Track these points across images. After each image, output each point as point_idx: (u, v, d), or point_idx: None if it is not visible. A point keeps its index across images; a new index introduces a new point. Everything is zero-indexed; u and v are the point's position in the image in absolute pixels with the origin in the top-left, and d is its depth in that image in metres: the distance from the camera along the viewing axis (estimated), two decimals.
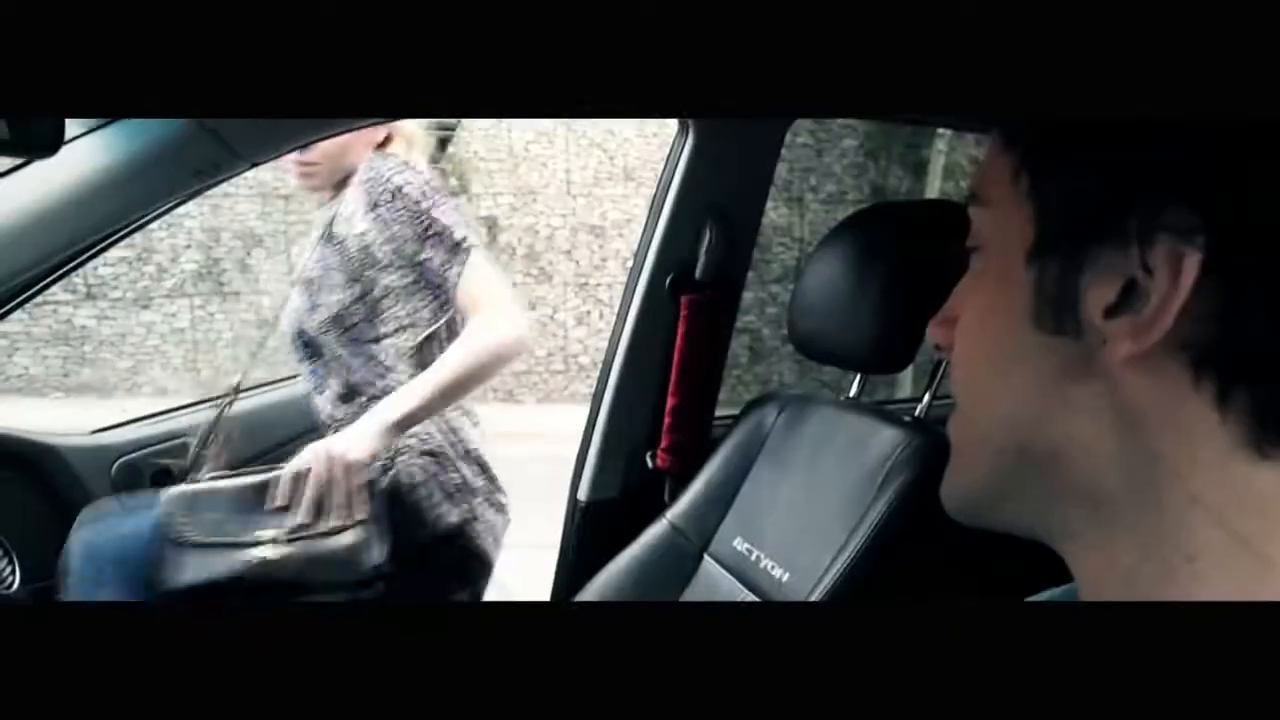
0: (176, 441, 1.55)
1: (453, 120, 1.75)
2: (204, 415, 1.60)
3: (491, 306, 1.35)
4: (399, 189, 1.33)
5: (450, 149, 1.80)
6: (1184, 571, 0.33)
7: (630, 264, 1.68)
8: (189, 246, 7.23)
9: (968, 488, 0.41)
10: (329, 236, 1.41)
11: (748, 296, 1.64)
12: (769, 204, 1.65)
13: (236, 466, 1.57)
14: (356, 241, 1.36)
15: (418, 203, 1.33)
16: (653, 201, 1.62)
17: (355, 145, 1.41)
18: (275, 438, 1.66)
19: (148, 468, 1.51)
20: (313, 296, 1.41)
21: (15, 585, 1.20)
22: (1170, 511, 0.33)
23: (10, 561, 1.20)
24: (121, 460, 1.49)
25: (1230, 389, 0.31)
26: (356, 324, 1.39)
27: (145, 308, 7.20)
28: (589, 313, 7.96)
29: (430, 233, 1.33)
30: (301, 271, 1.46)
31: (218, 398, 1.62)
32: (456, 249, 1.34)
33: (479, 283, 1.36)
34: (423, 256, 1.34)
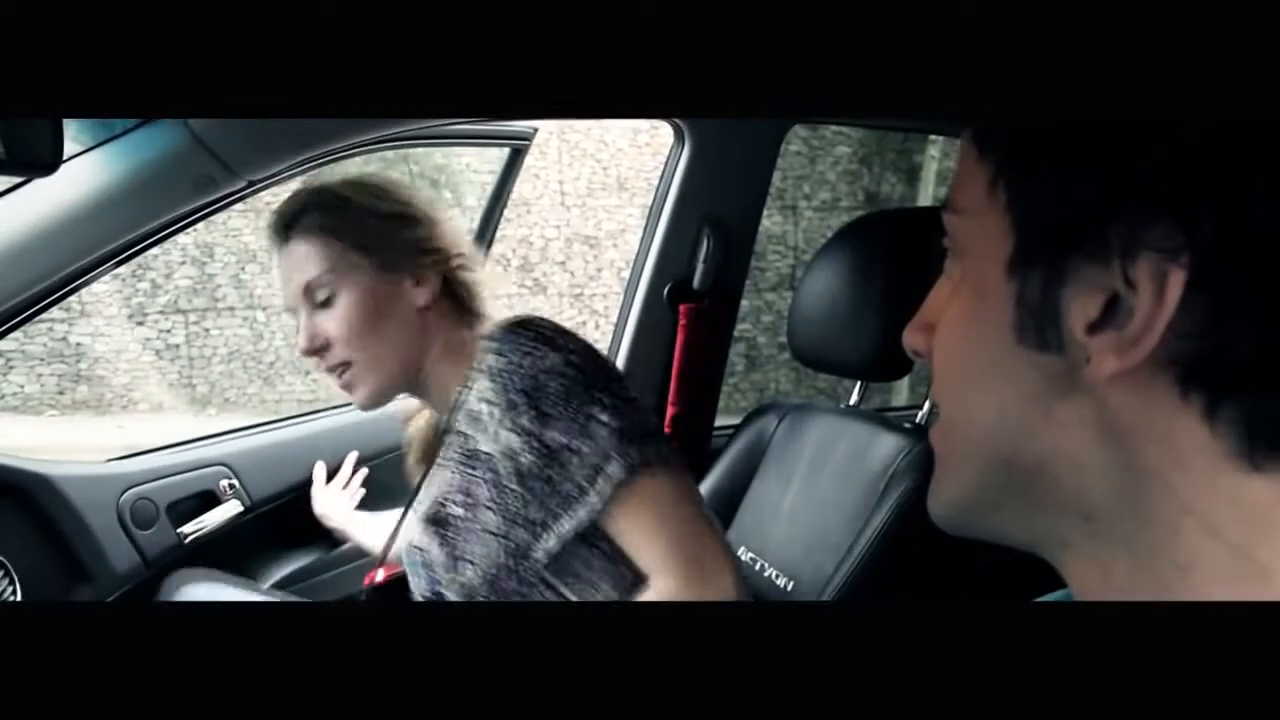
0: (190, 474, 1.44)
1: (528, 128, 1.57)
2: (216, 449, 1.50)
3: (673, 573, 0.90)
4: (537, 380, 0.92)
5: (527, 160, 1.61)
6: (1179, 582, 0.33)
7: (625, 274, 1.68)
8: (183, 262, 7.22)
9: (955, 500, 0.41)
10: (459, 452, 1.01)
11: (743, 304, 1.63)
12: (763, 211, 1.65)
13: (259, 501, 1.49)
14: (503, 462, 0.94)
15: (565, 403, 0.91)
16: (649, 211, 1.62)
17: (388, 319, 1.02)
18: (297, 475, 1.54)
19: (163, 500, 1.40)
20: (450, 544, 0.99)
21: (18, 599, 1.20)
22: (1162, 524, 0.33)
23: (11, 582, 1.20)
24: (132, 491, 1.37)
25: (1218, 403, 0.31)
26: (518, 593, 0.97)
27: (140, 324, 7.18)
28: (584, 323, 7.97)
29: (574, 455, 0.91)
30: (418, 495, 1.08)
31: (226, 433, 1.56)
32: (608, 476, 0.90)
33: (651, 533, 0.92)
34: (576, 488, 0.92)
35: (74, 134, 1.06)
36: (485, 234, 1.69)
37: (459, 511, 0.98)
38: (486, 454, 0.96)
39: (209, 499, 1.45)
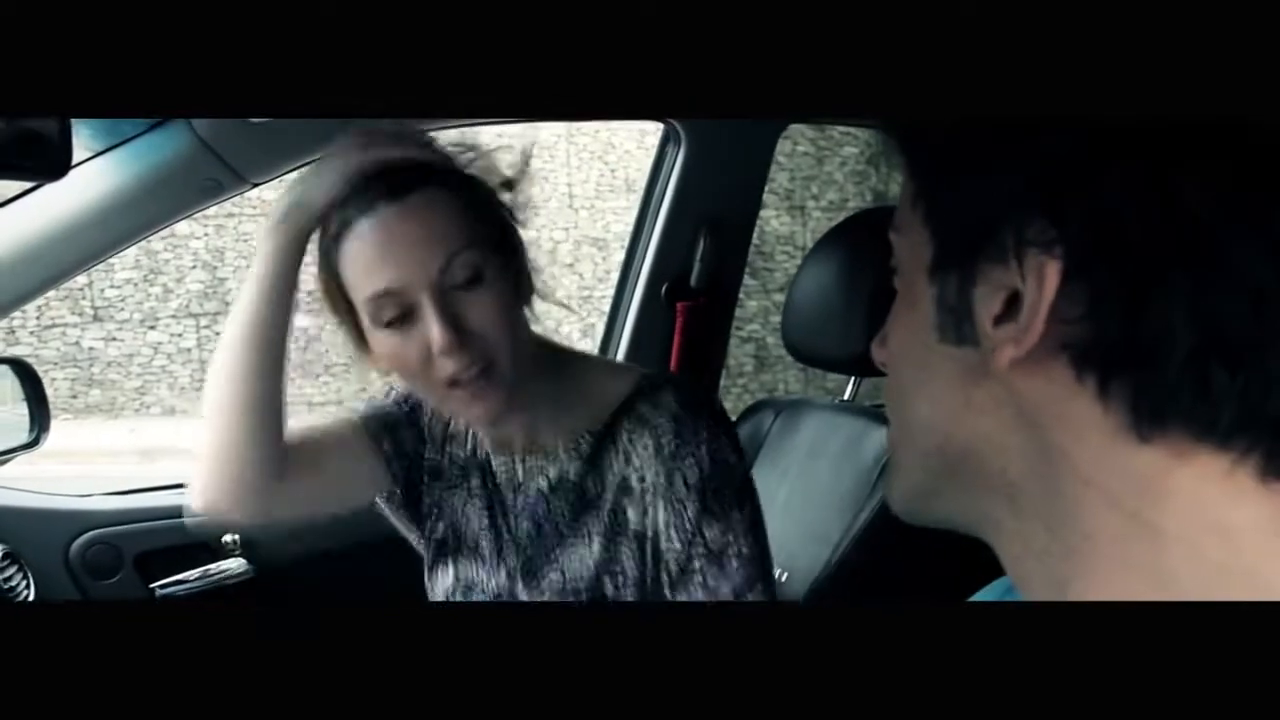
0: (177, 521, 1.25)
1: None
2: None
3: None
4: (709, 476, 0.85)
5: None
6: (1084, 547, 0.36)
7: (628, 275, 1.70)
8: (194, 267, 7.27)
9: (904, 490, 0.45)
10: (607, 524, 0.90)
11: (752, 305, 1.64)
12: (771, 212, 1.67)
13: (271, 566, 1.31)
14: (650, 543, 0.88)
15: (724, 502, 0.86)
16: (648, 210, 1.64)
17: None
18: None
19: (133, 548, 1.23)
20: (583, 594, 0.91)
21: (30, 599, 1.20)
22: (1068, 496, 0.36)
23: (25, 575, 1.21)
24: (91, 534, 1.21)
25: (1108, 383, 0.34)
26: None
27: (152, 328, 7.23)
28: (593, 325, 7.97)
29: (734, 558, 0.85)
30: (522, 558, 0.94)
31: None
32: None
33: None
34: (738, 582, 0.86)
35: (81, 140, 1.08)
36: None
37: (611, 592, 0.90)
38: (635, 529, 0.88)
39: (208, 553, 1.27)
